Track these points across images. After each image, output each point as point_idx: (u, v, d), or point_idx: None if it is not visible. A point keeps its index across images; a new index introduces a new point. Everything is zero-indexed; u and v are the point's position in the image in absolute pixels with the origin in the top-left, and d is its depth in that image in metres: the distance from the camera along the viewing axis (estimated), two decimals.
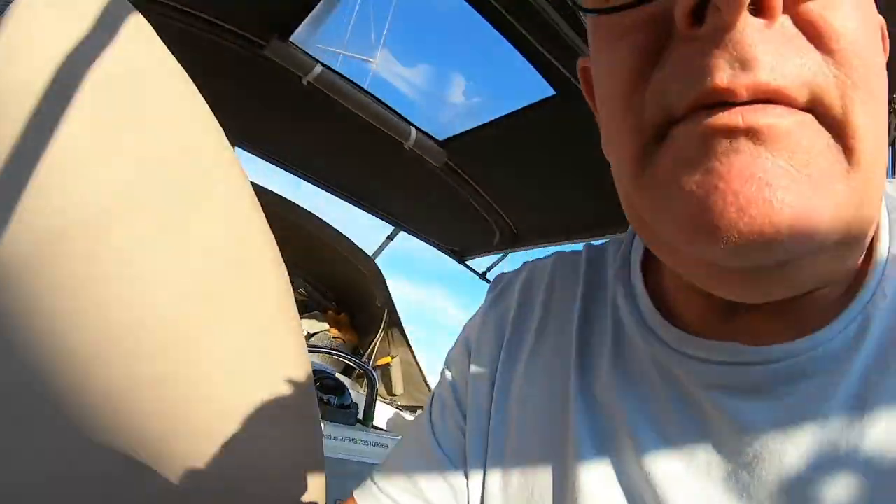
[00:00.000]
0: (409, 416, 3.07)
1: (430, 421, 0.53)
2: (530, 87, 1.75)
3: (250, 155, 2.49)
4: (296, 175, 2.62)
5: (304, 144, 2.45)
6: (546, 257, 0.56)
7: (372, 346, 3.29)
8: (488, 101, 1.98)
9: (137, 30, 0.55)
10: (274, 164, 2.57)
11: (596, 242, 0.55)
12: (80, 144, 0.50)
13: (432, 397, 0.55)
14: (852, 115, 0.28)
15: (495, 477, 0.46)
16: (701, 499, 0.35)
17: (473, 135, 1.99)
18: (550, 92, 1.71)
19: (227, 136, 0.61)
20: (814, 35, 0.28)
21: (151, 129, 0.55)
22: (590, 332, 0.47)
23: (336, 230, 2.95)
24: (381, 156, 2.17)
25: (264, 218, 0.64)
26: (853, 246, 0.32)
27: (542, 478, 0.44)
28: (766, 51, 0.27)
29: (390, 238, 3.02)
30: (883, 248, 0.36)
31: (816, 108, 0.28)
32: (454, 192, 2.32)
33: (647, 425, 0.40)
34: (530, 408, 0.47)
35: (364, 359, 3.46)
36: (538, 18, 1.42)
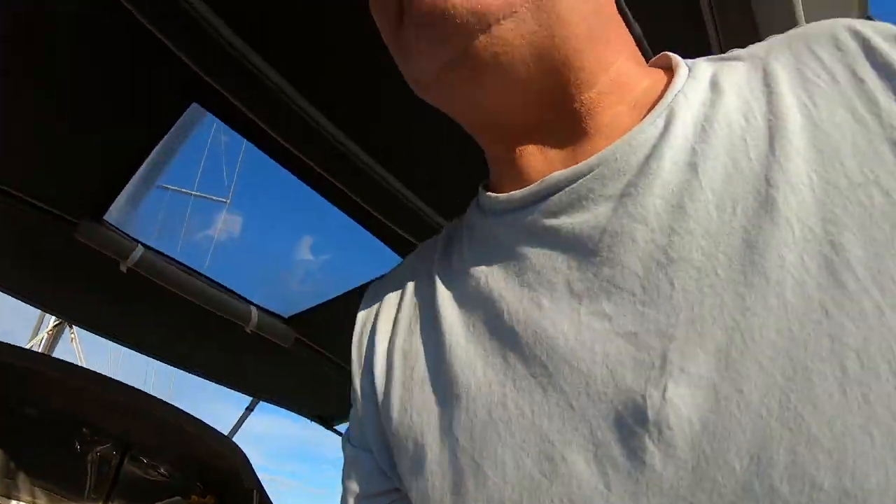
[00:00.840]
0: None
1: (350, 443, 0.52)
2: (379, 258, 1.70)
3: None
4: (136, 351, 2.35)
5: (138, 325, 2.21)
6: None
7: None
8: (338, 273, 1.90)
9: None
10: (111, 340, 2.29)
11: None
12: None
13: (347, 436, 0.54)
14: None
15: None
16: (569, 315, 0.35)
17: (324, 309, 1.88)
18: (399, 260, 1.66)
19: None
20: None
21: None
22: (450, 245, 0.51)
23: (187, 414, 2.65)
24: (225, 337, 1.99)
25: None
26: (555, 23, 0.36)
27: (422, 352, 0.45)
28: None
29: (249, 410, 2.75)
30: (680, 75, 0.40)
31: None
32: (311, 364, 2.16)
33: (515, 274, 0.40)
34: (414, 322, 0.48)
35: None
36: (379, 191, 1.39)
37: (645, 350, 0.31)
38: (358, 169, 1.34)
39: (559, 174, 0.38)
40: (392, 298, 0.52)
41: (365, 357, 0.50)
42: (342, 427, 2.70)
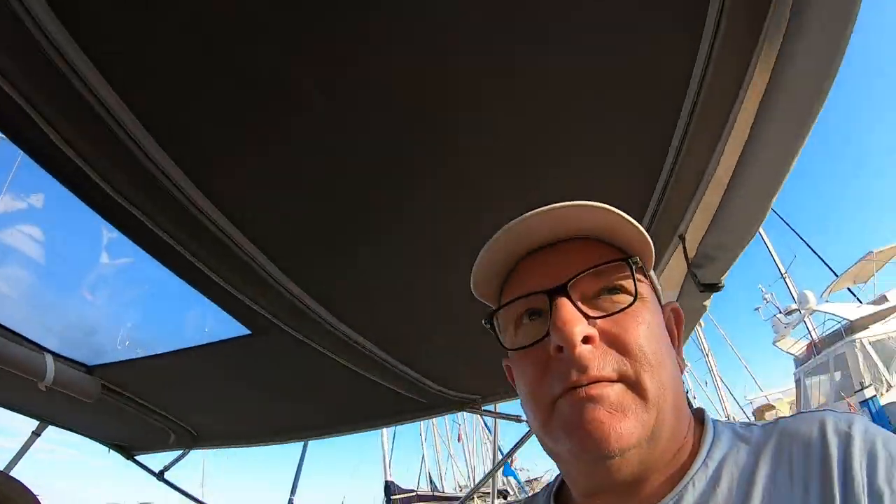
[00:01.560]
0: None
1: None
2: (218, 326, 1.55)
3: None
4: None
5: None
6: None
7: None
8: (165, 333, 1.66)
9: None
10: None
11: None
12: None
13: None
14: (643, 381, 0.58)
15: None
16: None
17: (140, 363, 1.68)
18: (245, 331, 1.54)
19: None
20: (617, 347, 0.59)
21: None
22: None
23: None
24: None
25: None
26: (657, 443, 0.59)
27: None
28: (593, 364, 0.57)
29: (36, 434, 2.42)
30: (700, 457, 0.61)
31: (623, 380, 0.58)
32: (118, 407, 1.95)
33: None
34: None
35: None
36: (232, 262, 1.23)
37: None
38: (196, 220, 1.07)
39: None
40: None
41: None
42: (143, 458, 2.49)
